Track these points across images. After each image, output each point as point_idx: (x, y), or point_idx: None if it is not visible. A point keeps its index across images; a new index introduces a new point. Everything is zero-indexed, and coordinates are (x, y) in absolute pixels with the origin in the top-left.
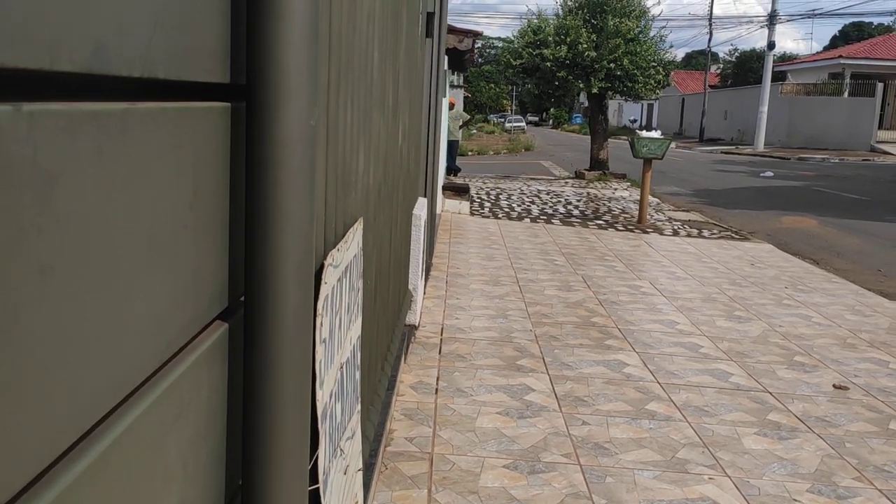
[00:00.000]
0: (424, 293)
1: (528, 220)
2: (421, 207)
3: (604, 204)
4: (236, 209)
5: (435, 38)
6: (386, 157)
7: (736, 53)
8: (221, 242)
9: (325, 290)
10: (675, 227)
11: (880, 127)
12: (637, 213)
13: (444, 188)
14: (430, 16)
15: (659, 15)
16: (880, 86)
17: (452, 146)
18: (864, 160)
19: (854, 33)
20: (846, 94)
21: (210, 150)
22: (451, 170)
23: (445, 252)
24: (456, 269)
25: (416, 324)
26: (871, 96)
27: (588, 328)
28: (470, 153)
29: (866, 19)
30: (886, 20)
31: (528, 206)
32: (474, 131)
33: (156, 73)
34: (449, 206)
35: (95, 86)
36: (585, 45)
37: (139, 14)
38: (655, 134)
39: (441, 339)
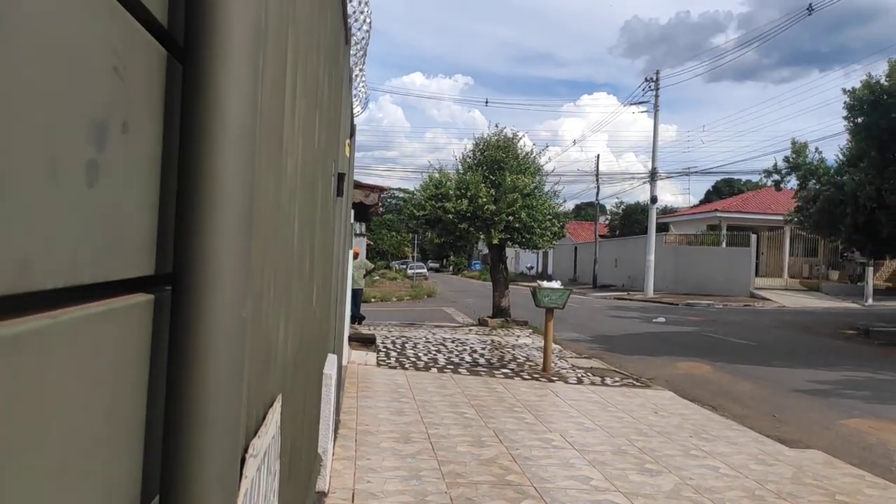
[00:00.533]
0: (333, 454)
1: (435, 369)
2: (331, 366)
3: (508, 352)
4: (155, 410)
5: (344, 196)
6: (302, 323)
7: (622, 206)
8: (137, 451)
9: (245, 485)
10: (579, 375)
11: (757, 274)
12: (541, 360)
13: (350, 339)
14: (340, 176)
15: (552, 172)
16: (754, 237)
17: (357, 295)
18: (745, 305)
19: (725, 188)
20: (724, 244)
21: (131, 348)
22: (356, 318)
23: (354, 407)
24: (365, 425)
25: (326, 490)
26: (746, 246)
27: (504, 487)
28: (373, 300)
29: (735, 176)
30: (753, 177)
31: (435, 355)
32: (377, 278)
33: (81, 279)
34: (355, 358)
35: (16, 306)
36: (485, 199)
37: (68, 223)
38: (556, 284)
39: None
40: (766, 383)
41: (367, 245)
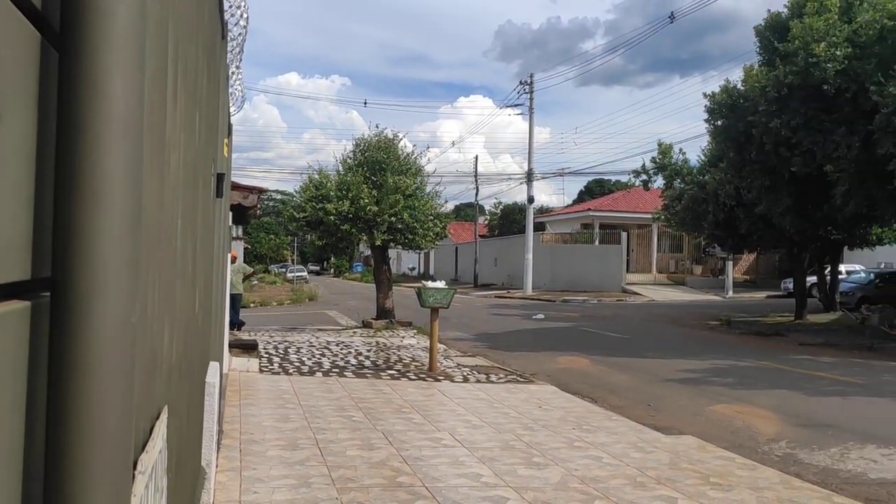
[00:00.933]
0: (217, 466)
1: (320, 374)
2: (213, 374)
3: (394, 353)
4: (35, 429)
5: (223, 198)
6: (186, 329)
7: (500, 206)
8: (16, 473)
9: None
10: (465, 374)
11: (628, 270)
12: (427, 360)
13: (231, 345)
14: (220, 177)
15: (433, 172)
16: (624, 234)
17: (235, 300)
18: (618, 300)
19: (597, 188)
20: (597, 242)
21: (5, 361)
22: (235, 324)
23: (237, 416)
24: (250, 434)
25: None
26: (617, 244)
27: (395, 489)
28: (253, 305)
29: (606, 177)
30: (623, 178)
31: (319, 358)
32: (255, 282)
33: None
34: (237, 365)
35: None
36: (367, 200)
37: None
38: (440, 284)
39: None
40: (640, 374)
41: (245, 249)
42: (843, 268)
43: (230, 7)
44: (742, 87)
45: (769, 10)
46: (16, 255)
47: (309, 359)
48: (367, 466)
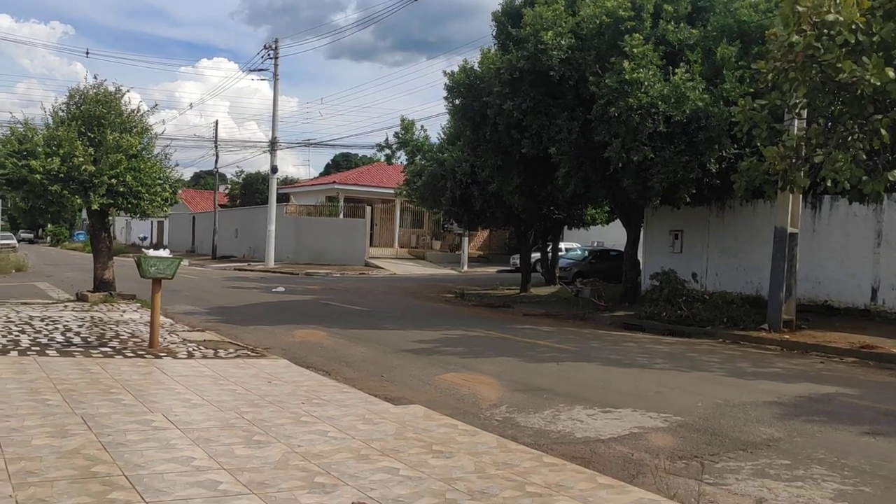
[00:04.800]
0: None
1: (15, 353)
2: None
3: (111, 329)
4: None
5: None
6: None
7: (243, 175)
8: None
9: None
10: (191, 349)
11: (371, 244)
12: (148, 336)
13: None
14: None
15: (163, 133)
16: (369, 209)
17: None
18: (360, 274)
19: (343, 162)
20: (342, 216)
21: None
22: None
23: None
24: None
25: None
26: (361, 218)
27: (88, 481)
28: None
29: (353, 151)
30: (369, 152)
31: (17, 336)
32: None
33: None
34: None
35: None
36: (82, 159)
37: None
38: (164, 253)
39: None
40: (377, 346)
41: None
42: (562, 245)
43: None
44: (479, 69)
45: None
46: None
47: (4, 336)
48: (55, 457)
